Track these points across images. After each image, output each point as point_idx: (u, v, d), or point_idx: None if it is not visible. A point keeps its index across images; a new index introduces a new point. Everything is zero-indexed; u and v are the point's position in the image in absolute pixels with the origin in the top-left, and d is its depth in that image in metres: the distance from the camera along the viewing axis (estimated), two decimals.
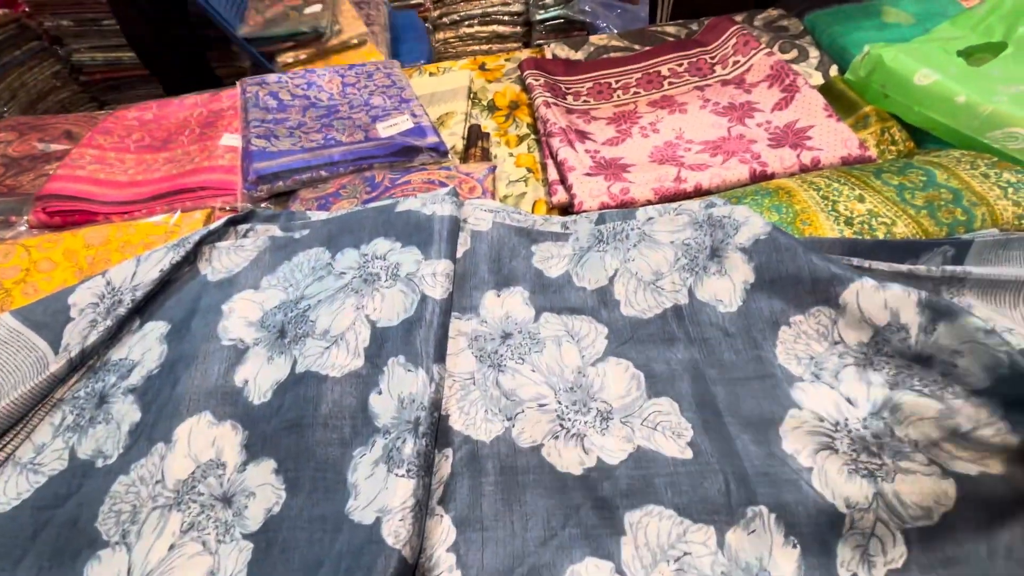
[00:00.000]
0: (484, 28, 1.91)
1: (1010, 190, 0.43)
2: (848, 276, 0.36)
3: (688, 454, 0.34)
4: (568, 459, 0.35)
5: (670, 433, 0.35)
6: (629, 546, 0.31)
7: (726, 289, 0.39)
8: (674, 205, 0.47)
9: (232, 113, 0.69)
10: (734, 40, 0.69)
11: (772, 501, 0.31)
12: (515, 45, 1.92)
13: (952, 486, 0.29)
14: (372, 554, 0.29)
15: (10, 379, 0.39)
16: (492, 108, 0.72)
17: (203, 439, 0.36)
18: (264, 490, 0.34)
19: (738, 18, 0.76)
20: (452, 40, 1.93)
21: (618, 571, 0.31)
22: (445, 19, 1.89)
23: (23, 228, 0.52)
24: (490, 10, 1.86)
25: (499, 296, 0.43)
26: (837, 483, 0.31)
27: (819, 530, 0.30)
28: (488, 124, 0.69)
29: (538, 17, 1.81)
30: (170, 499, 0.34)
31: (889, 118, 0.57)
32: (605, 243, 0.44)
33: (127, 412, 0.39)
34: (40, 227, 0.52)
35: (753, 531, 0.31)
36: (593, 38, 0.79)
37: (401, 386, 0.36)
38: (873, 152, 0.53)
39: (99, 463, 0.37)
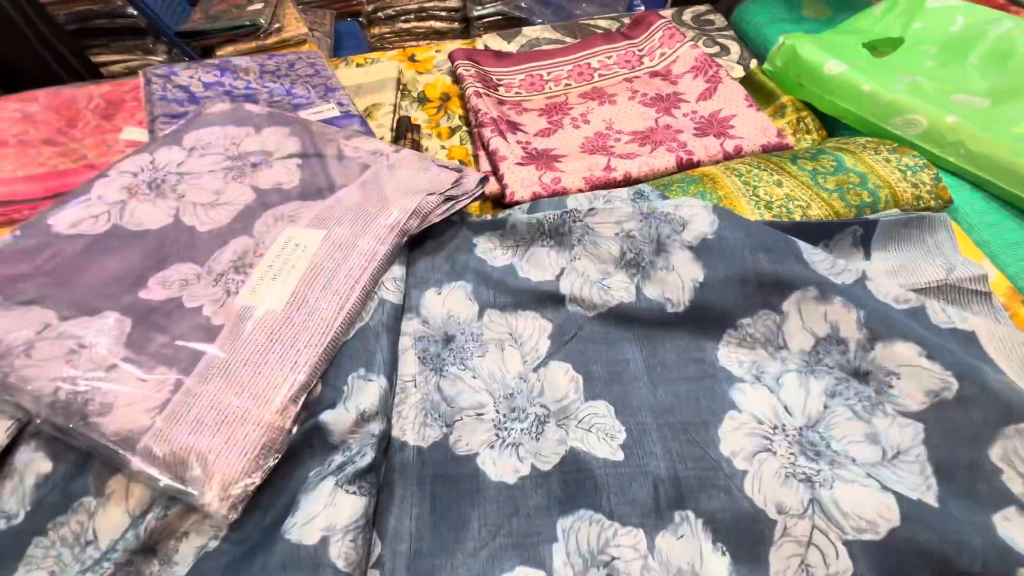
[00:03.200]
0: (421, 24, 1.87)
1: (908, 173, 0.46)
2: (791, 283, 0.36)
3: (619, 456, 0.33)
4: (503, 468, 0.34)
5: (603, 435, 0.34)
6: (561, 553, 0.31)
7: (675, 288, 0.39)
8: (603, 192, 0.47)
9: (135, 104, 0.63)
10: (660, 33, 0.70)
11: (699, 506, 0.31)
12: (453, 41, 1.90)
13: (893, 502, 0.29)
14: None
15: None
16: (423, 100, 0.70)
17: (141, 489, 0.32)
18: (202, 526, 0.31)
19: (667, 12, 0.78)
20: (388, 35, 1.88)
21: None
22: (380, 14, 1.83)
23: None
24: (426, 5, 1.82)
25: (440, 294, 0.42)
26: (771, 487, 0.31)
27: (747, 537, 0.30)
28: (419, 116, 0.67)
29: (476, 13, 1.79)
30: (95, 560, 0.30)
31: (804, 108, 0.59)
32: (548, 237, 0.43)
33: (31, 461, 0.34)
34: None
35: (682, 536, 0.30)
36: (526, 30, 0.78)
37: (359, 398, 0.33)
38: (790, 140, 0.56)
39: (1, 525, 0.32)
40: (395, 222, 0.41)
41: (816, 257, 0.37)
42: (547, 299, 0.41)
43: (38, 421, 0.33)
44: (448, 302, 0.42)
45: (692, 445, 0.34)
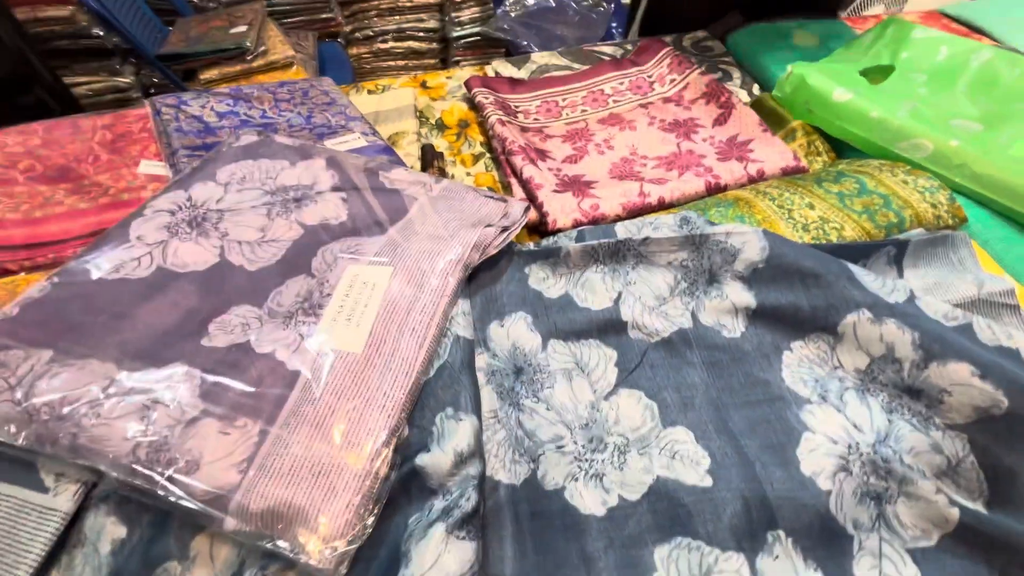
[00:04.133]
0: (399, 44, 1.88)
1: (927, 194, 0.50)
2: (845, 306, 0.38)
3: (708, 481, 0.34)
4: (590, 501, 0.34)
5: (689, 461, 0.35)
6: None
7: (728, 315, 0.41)
8: (650, 219, 0.48)
9: (146, 136, 0.61)
10: (668, 60, 0.73)
11: (789, 525, 0.32)
12: (431, 61, 1.91)
13: (956, 513, 0.31)
14: None
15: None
16: (441, 127, 0.70)
17: (228, 548, 0.30)
18: None
19: (667, 39, 0.81)
20: (366, 56, 1.88)
21: None
22: (358, 34, 1.83)
23: None
24: (405, 26, 1.84)
25: (503, 326, 0.42)
26: (850, 505, 0.33)
27: (833, 553, 0.31)
28: (439, 144, 0.67)
29: (454, 34, 1.81)
30: None
31: (813, 131, 0.63)
32: (602, 263, 0.44)
33: (104, 527, 0.31)
34: None
35: (777, 557, 0.31)
36: (534, 56, 0.80)
37: (454, 438, 0.33)
38: (805, 163, 0.59)
39: None
40: (459, 256, 0.41)
41: (868, 278, 0.40)
42: (608, 327, 0.42)
43: (115, 484, 0.31)
44: (512, 334, 0.42)
45: (774, 467, 0.35)
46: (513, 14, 1.59)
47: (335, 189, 0.49)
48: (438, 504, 0.31)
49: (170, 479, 0.30)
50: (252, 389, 0.33)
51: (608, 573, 0.32)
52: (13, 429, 0.31)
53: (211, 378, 0.34)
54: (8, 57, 1.08)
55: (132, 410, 0.32)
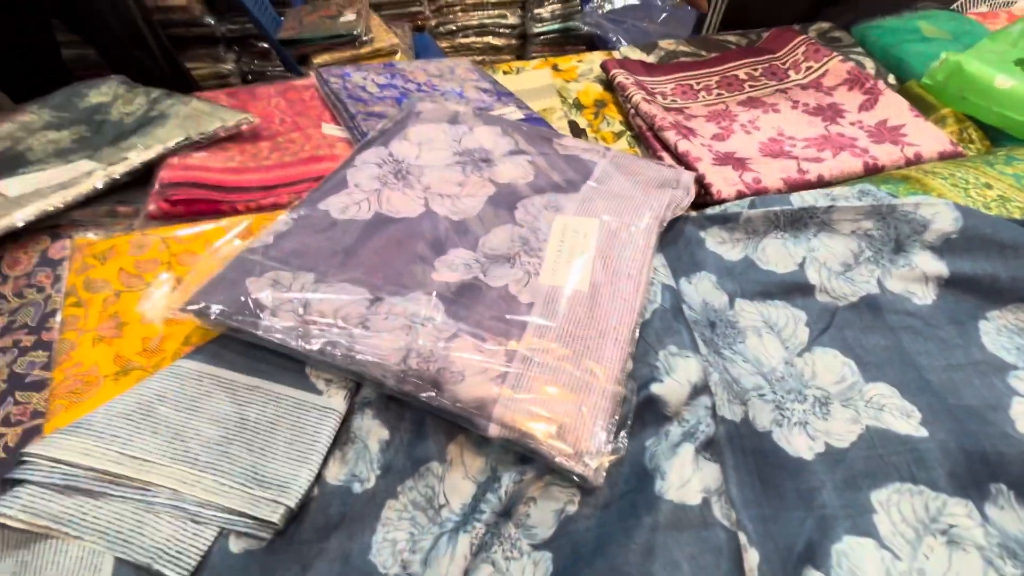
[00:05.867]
0: (479, 39, 1.93)
1: None
2: None
3: (923, 432, 0.35)
4: (797, 445, 0.35)
5: (899, 413, 0.36)
6: (885, 523, 0.32)
7: (918, 283, 0.42)
8: (826, 191, 0.49)
9: (317, 103, 0.66)
10: (803, 48, 0.74)
11: (1012, 480, 0.33)
12: (508, 57, 1.96)
13: None
14: (713, 538, 0.29)
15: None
16: (578, 107, 0.73)
17: (480, 459, 0.34)
18: (549, 491, 0.32)
19: (796, 28, 0.82)
20: (447, 50, 1.94)
21: (883, 547, 0.31)
22: (441, 28, 1.89)
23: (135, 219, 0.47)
24: (487, 22, 1.89)
25: (691, 283, 0.44)
26: None
27: None
28: (580, 121, 0.70)
29: (535, 30, 1.85)
30: (457, 523, 0.31)
31: (965, 119, 0.63)
32: (782, 229, 0.46)
33: (371, 428, 0.35)
34: (159, 218, 0.47)
35: (1002, 507, 0.32)
36: (662, 43, 0.82)
37: (685, 371, 0.35)
38: (961, 148, 0.59)
39: (356, 488, 0.33)
40: (657, 213, 0.44)
41: None
42: (795, 289, 0.44)
43: (385, 389, 0.34)
44: (700, 290, 0.44)
45: (989, 424, 0.35)
46: (600, 11, 1.62)
47: (515, 152, 0.52)
48: (675, 429, 0.33)
49: (439, 386, 0.33)
50: (494, 314, 0.37)
51: (825, 511, 0.33)
52: (298, 337, 0.35)
53: (455, 305, 0.37)
54: (151, 55, 1.16)
55: (398, 325, 0.35)
